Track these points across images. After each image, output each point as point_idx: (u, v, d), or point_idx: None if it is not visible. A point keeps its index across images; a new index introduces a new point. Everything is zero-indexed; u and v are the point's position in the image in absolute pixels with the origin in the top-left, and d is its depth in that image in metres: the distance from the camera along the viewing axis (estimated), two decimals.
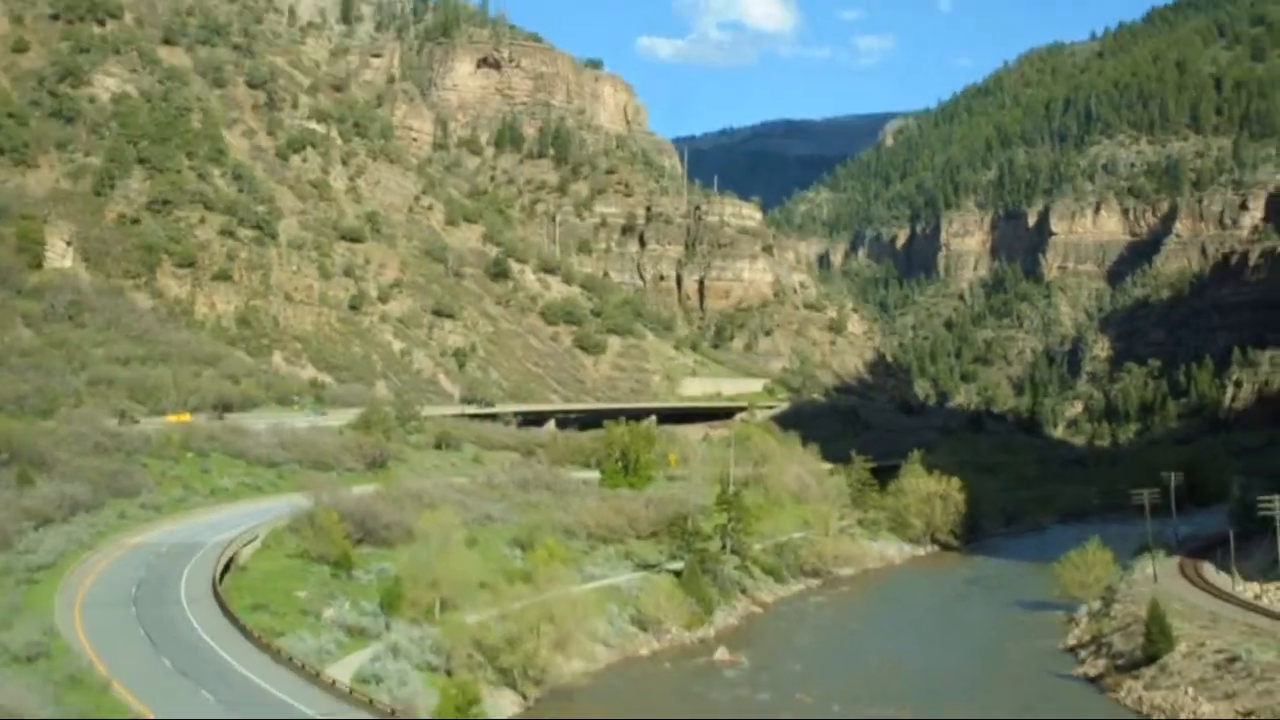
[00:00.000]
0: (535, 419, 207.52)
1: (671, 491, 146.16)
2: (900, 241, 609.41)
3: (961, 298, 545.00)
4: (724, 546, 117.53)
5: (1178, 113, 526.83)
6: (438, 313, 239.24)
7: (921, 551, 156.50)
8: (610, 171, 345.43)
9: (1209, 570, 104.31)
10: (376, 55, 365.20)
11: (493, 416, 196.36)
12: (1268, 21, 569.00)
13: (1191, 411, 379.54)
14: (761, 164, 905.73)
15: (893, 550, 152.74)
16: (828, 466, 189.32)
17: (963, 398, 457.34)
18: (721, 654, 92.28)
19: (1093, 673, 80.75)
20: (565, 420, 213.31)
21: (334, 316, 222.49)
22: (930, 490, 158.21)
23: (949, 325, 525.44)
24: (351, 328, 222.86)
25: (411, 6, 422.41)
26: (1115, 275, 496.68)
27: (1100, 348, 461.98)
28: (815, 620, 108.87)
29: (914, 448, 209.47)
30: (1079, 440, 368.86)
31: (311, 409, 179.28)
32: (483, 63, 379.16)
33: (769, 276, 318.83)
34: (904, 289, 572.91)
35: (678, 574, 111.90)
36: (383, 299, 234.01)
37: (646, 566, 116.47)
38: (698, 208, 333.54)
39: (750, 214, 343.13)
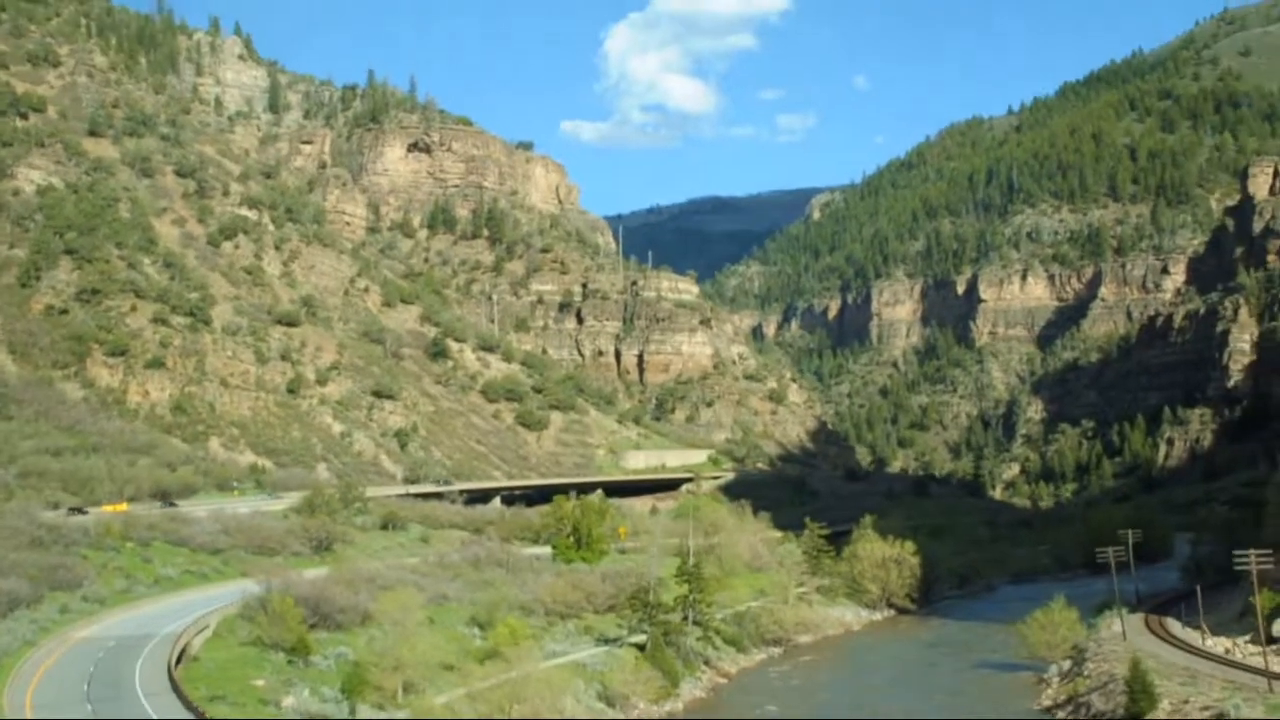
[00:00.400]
0: (481, 497, 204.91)
1: (626, 564, 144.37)
2: (832, 312, 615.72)
3: (895, 365, 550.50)
4: (686, 618, 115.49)
5: (1096, 182, 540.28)
6: (377, 394, 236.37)
7: (878, 616, 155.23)
8: (545, 250, 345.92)
9: (1175, 626, 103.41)
10: (307, 142, 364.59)
11: (438, 495, 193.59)
12: (1175, 95, 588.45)
13: (1127, 470, 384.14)
14: (690, 240, 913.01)
15: (850, 616, 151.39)
16: (777, 534, 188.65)
17: (901, 463, 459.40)
18: None
19: None
20: (511, 497, 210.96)
21: (272, 401, 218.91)
22: (885, 555, 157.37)
23: (884, 392, 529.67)
24: (290, 411, 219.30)
25: (339, 94, 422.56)
26: (1045, 339, 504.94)
27: (1034, 410, 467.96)
28: (782, 690, 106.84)
29: (861, 513, 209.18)
30: (1019, 501, 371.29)
31: (259, 492, 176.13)
32: (413, 147, 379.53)
33: (708, 349, 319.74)
34: (838, 358, 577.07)
35: (640, 647, 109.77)
36: (321, 382, 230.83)
37: (607, 641, 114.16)
38: (634, 283, 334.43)
39: (687, 288, 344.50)
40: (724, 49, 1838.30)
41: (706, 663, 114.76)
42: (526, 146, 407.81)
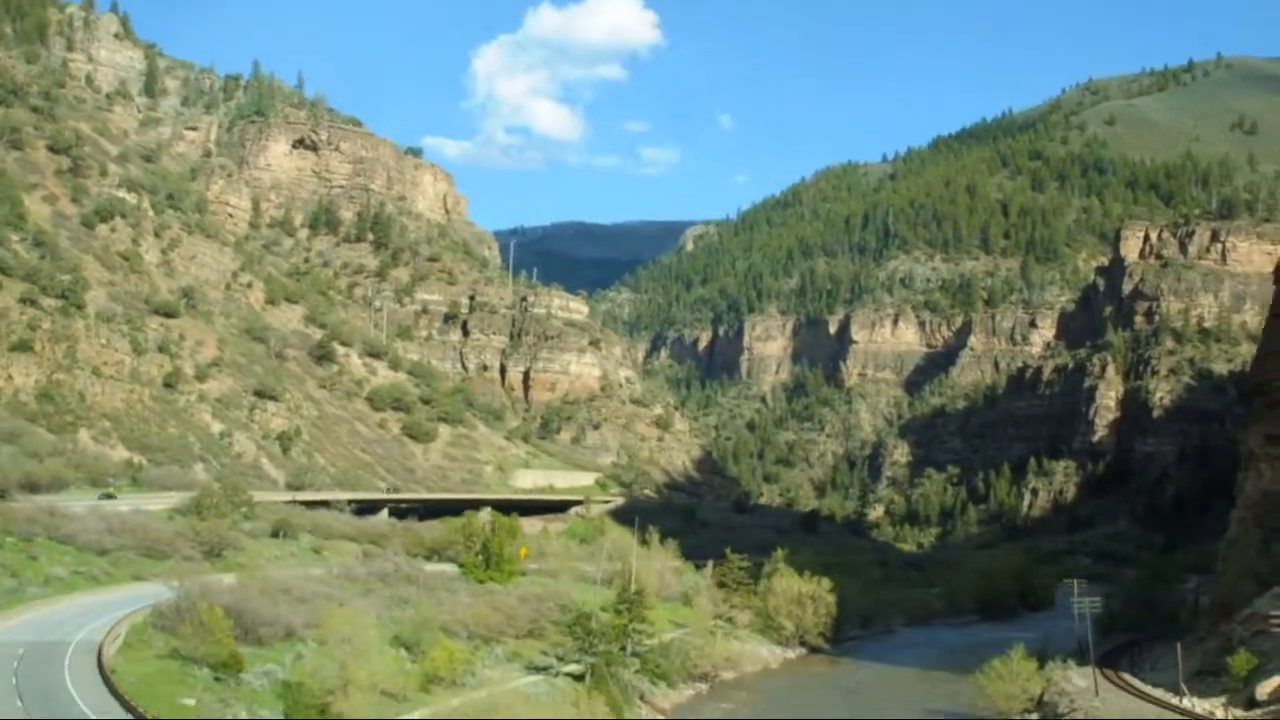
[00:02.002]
0: (368, 508, 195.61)
1: (541, 587, 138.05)
2: (702, 343, 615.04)
3: (764, 400, 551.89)
4: (624, 649, 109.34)
5: (969, 234, 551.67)
6: (259, 394, 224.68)
7: (791, 654, 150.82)
8: (433, 259, 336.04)
9: (1136, 682, 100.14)
10: (191, 128, 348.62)
11: (325, 504, 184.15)
12: (1044, 156, 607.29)
13: (991, 518, 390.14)
14: (555, 264, 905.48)
15: (765, 652, 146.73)
16: (677, 563, 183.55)
17: (766, 499, 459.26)
18: None
19: None
20: (398, 510, 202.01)
21: (147, 394, 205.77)
22: (800, 591, 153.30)
23: (751, 427, 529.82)
24: (166, 407, 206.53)
25: (221, 84, 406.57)
26: (913, 384, 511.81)
27: (900, 453, 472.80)
28: None
29: (753, 546, 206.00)
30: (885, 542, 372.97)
31: (135, 490, 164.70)
32: (299, 144, 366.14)
33: (596, 370, 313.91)
34: (706, 390, 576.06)
35: (576, 677, 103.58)
36: (200, 378, 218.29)
37: (538, 669, 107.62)
38: (524, 299, 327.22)
39: (577, 308, 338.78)
40: (592, 78, 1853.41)
41: (641, 697, 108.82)
42: (416, 152, 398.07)
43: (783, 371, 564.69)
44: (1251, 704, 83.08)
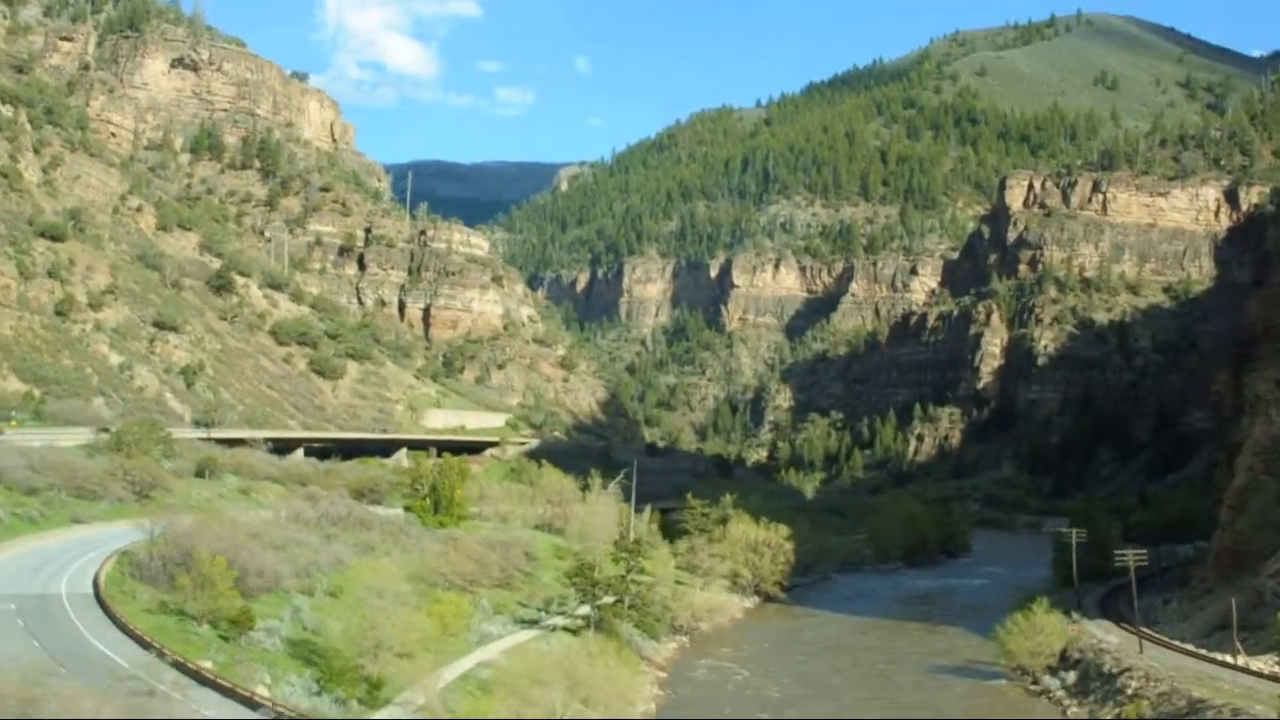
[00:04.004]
0: (283, 447, 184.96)
1: (505, 533, 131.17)
2: (580, 285, 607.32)
3: (644, 343, 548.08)
4: (621, 600, 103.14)
5: (849, 180, 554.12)
6: (159, 325, 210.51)
7: (749, 603, 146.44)
8: (325, 189, 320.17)
9: (1162, 637, 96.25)
10: (66, 38, 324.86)
11: (241, 442, 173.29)
12: (918, 105, 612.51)
13: (877, 463, 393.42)
14: (418, 203, 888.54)
15: (725, 601, 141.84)
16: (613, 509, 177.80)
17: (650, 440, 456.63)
18: None
19: None
20: (315, 449, 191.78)
21: (38, 322, 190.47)
22: (756, 538, 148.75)
23: (631, 370, 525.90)
24: (60, 336, 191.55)
25: None
26: (794, 329, 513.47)
27: (782, 398, 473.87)
28: (740, 695, 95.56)
29: (672, 489, 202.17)
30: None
31: (36, 424, 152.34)
32: (178, 63, 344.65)
33: (499, 308, 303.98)
34: (585, 332, 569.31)
35: (571, 631, 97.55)
36: (94, 306, 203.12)
37: (528, 622, 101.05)
38: (423, 232, 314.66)
39: (478, 243, 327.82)
40: (446, 14, 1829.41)
41: (639, 653, 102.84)
42: (301, 77, 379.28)
43: (663, 314, 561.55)
44: None
